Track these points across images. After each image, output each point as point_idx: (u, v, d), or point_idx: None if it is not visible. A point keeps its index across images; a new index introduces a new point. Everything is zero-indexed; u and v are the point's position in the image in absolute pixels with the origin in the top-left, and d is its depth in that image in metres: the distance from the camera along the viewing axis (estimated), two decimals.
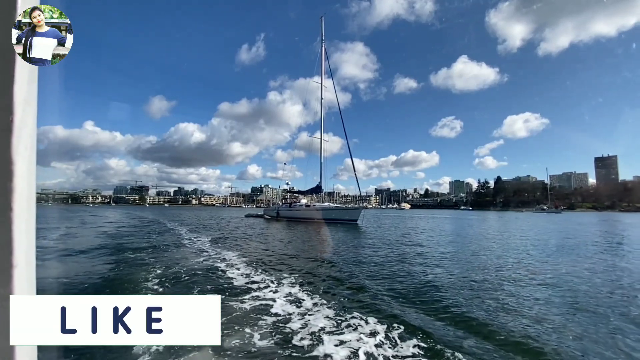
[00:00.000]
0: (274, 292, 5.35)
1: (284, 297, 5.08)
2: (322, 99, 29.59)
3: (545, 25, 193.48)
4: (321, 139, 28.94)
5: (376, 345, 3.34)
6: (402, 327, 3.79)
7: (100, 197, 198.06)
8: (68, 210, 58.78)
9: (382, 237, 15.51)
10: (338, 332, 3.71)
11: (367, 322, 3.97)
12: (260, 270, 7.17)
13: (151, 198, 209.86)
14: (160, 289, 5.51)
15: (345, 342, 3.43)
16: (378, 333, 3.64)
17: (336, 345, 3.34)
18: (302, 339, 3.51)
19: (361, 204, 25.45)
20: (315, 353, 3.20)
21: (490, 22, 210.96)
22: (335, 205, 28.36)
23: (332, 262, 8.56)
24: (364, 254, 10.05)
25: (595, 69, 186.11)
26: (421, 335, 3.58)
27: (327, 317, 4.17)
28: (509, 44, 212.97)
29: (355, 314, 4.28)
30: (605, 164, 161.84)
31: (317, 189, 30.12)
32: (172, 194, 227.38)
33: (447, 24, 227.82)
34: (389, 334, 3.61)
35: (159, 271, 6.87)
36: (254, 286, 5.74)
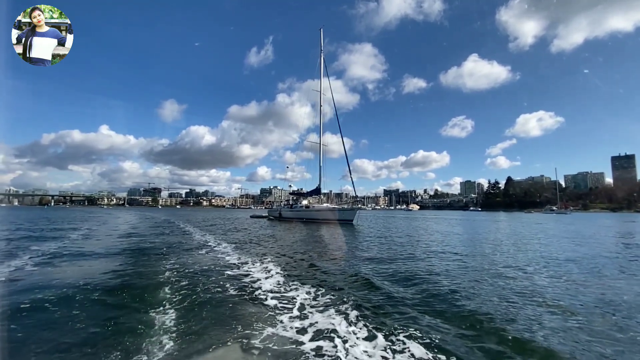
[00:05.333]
0: (270, 284, 6.04)
1: (276, 285, 6.33)
2: (320, 105, 31.27)
3: (558, 22, 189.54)
4: (320, 143, 30.62)
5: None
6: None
7: (114, 199, 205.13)
8: (85, 211, 62.37)
9: (368, 234, 16.98)
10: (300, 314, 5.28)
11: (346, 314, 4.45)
12: (255, 262, 8.76)
13: (163, 200, 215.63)
14: (167, 288, 6.25)
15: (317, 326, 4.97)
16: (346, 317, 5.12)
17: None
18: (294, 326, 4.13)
19: (357, 206, 26.92)
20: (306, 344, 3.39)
21: (500, 19, 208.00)
22: (333, 206, 29.91)
23: (315, 252, 10.13)
24: (347, 245, 11.64)
25: (612, 65, 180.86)
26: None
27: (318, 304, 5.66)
28: (520, 41, 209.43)
29: (337, 298, 5.81)
30: (623, 163, 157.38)
31: (316, 191, 31.81)
32: (183, 195, 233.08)
33: (456, 23, 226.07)
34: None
35: (171, 261, 8.43)
36: (249, 277, 6.86)
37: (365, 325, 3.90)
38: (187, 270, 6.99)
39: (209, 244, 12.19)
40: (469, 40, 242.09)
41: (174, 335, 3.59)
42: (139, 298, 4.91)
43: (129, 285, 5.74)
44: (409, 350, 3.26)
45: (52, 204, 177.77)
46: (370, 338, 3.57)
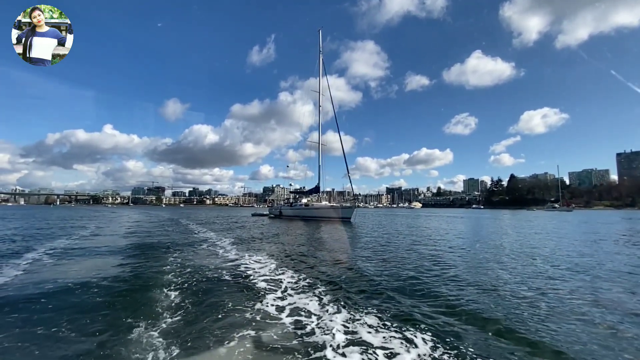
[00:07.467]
0: (262, 271, 7.02)
1: (267, 272, 7.30)
2: (319, 106, 31.95)
3: (562, 17, 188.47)
4: (319, 143, 31.33)
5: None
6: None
7: (119, 198, 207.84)
8: (91, 210, 63.79)
9: (362, 230, 17.74)
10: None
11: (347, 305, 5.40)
12: (251, 255, 9.55)
13: (167, 198, 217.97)
14: (171, 275, 7.58)
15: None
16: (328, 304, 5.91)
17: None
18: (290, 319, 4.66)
19: (355, 204, 27.63)
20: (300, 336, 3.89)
21: (504, 15, 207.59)
22: (332, 204, 30.67)
23: (308, 246, 10.89)
24: (339, 241, 12.41)
25: (617, 61, 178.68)
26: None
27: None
28: (524, 37, 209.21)
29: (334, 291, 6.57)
30: (628, 160, 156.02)
31: (316, 190, 32.59)
32: (187, 194, 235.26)
33: (459, 19, 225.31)
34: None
35: (175, 254, 9.23)
36: (244, 266, 7.83)
37: (335, 303, 4.66)
38: (189, 261, 7.81)
39: (211, 239, 13.01)
40: (472, 37, 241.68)
41: (176, 311, 4.37)
42: (147, 283, 5.71)
43: (138, 273, 6.55)
44: (364, 319, 4.01)
45: (58, 203, 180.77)
46: (337, 312, 4.32)
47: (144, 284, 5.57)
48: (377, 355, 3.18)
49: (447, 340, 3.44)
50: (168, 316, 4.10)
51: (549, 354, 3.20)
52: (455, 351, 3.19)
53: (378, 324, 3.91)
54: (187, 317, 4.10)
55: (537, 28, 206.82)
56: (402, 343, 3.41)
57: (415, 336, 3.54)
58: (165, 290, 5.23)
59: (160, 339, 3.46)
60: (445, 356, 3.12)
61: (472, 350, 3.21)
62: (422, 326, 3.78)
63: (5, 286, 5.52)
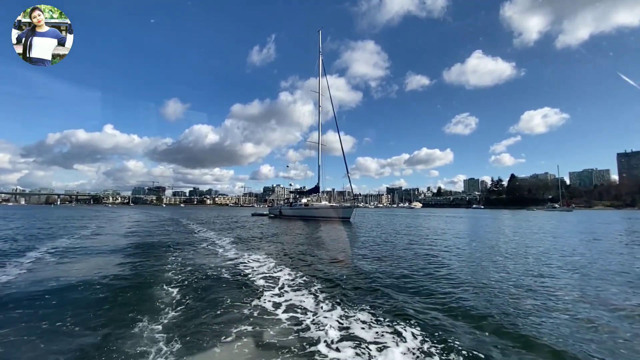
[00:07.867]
0: (261, 269, 7.32)
1: (266, 270, 7.46)
2: (319, 106, 32.11)
3: (563, 17, 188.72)
4: (319, 144, 31.48)
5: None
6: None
7: (119, 198, 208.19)
8: (92, 210, 64.00)
9: (361, 230, 17.90)
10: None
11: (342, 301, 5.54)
12: (250, 254, 9.71)
13: (168, 198, 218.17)
14: (172, 273, 7.86)
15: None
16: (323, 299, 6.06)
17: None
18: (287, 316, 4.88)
19: (354, 204, 27.78)
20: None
21: (505, 15, 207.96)
22: (331, 204, 30.83)
23: (307, 245, 11.04)
24: (337, 240, 12.55)
25: (618, 60, 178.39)
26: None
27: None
28: (525, 37, 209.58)
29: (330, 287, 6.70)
30: (629, 160, 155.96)
31: (315, 190, 32.74)
32: (187, 194, 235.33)
33: (459, 19, 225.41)
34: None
35: (175, 253, 9.40)
36: (243, 264, 8.00)
37: (330, 300, 4.81)
38: (189, 260, 7.96)
39: (211, 239, 13.16)
40: (473, 37, 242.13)
41: (176, 307, 4.51)
42: (148, 280, 5.86)
43: (139, 271, 6.70)
44: (358, 315, 4.16)
45: (58, 202, 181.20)
46: (332, 308, 4.47)
47: (145, 282, 5.73)
48: (370, 350, 3.32)
49: (436, 334, 3.59)
50: (169, 312, 4.25)
51: (531, 347, 3.34)
52: (443, 345, 3.34)
53: (371, 319, 4.06)
54: (187, 312, 4.25)
55: (538, 28, 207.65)
56: (393, 338, 3.55)
57: (406, 330, 3.68)
58: (166, 287, 5.38)
59: (162, 334, 3.60)
60: (432, 349, 3.26)
61: (458, 343, 3.36)
62: (413, 321, 3.93)
63: (9, 284, 5.68)
